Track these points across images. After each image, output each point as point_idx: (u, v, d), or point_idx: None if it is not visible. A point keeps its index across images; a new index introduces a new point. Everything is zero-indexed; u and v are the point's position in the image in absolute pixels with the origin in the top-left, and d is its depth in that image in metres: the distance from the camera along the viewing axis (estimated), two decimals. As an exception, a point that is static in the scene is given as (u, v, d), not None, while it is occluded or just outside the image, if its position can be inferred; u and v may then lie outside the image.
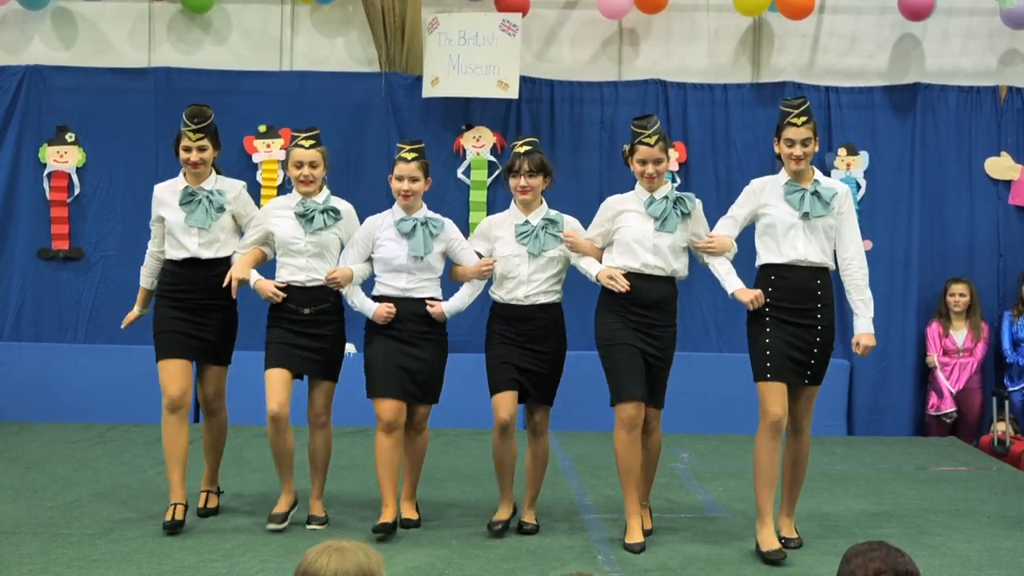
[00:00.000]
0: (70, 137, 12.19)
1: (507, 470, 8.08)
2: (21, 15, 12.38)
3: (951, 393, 11.93)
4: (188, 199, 8.06)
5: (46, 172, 12.21)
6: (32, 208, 12.23)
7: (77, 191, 12.19)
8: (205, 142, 8.05)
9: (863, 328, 7.77)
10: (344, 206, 8.24)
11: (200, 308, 8.11)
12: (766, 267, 7.84)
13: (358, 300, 7.99)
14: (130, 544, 7.53)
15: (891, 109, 12.37)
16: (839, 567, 3.86)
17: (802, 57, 12.62)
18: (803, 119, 7.68)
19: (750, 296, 7.72)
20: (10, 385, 11.85)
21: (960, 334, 11.99)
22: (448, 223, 8.14)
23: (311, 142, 8.14)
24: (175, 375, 8.02)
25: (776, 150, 7.86)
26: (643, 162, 7.80)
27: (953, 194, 12.40)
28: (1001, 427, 11.37)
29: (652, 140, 7.76)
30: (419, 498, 8.45)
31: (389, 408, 7.83)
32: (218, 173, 8.27)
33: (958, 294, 11.97)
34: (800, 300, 7.71)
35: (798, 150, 7.69)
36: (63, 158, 12.21)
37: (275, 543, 7.66)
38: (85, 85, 12.19)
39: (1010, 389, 11.79)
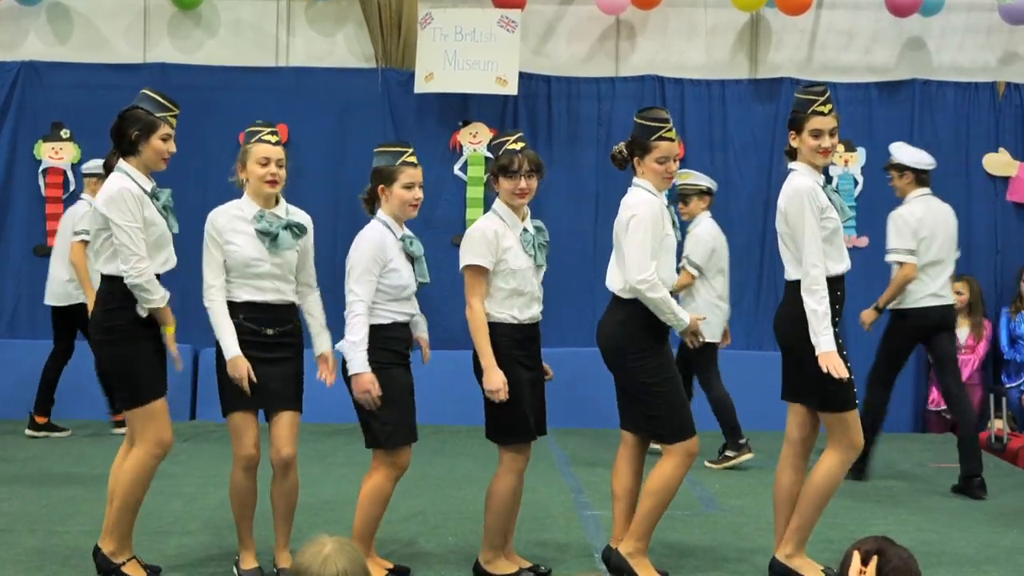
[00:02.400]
0: (65, 133, 12.25)
1: (515, 515, 7.18)
2: (17, 11, 12.42)
3: (951, 389, 11.96)
4: (164, 205, 6.81)
5: (41, 168, 12.27)
6: (27, 205, 12.31)
7: (72, 187, 12.21)
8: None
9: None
10: (306, 217, 7.07)
11: (157, 335, 6.86)
12: (837, 279, 6.89)
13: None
14: (126, 541, 7.48)
15: (889, 105, 12.45)
16: (840, 564, 3.86)
17: (800, 53, 12.68)
18: (829, 107, 6.90)
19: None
20: (6, 382, 11.88)
21: (962, 331, 12.01)
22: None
23: (277, 137, 6.96)
24: (167, 416, 6.89)
25: (793, 144, 6.97)
26: (663, 160, 6.89)
27: (951, 191, 12.35)
28: (999, 424, 11.39)
29: (673, 134, 6.93)
30: (423, 509, 8.32)
31: (409, 455, 6.96)
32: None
33: (956, 291, 11.96)
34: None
35: (827, 141, 6.87)
36: (58, 154, 12.24)
37: None
38: (80, 81, 12.23)
39: (1008, 385, 11.84)
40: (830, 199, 6.91)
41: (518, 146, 6.97)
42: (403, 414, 6.83)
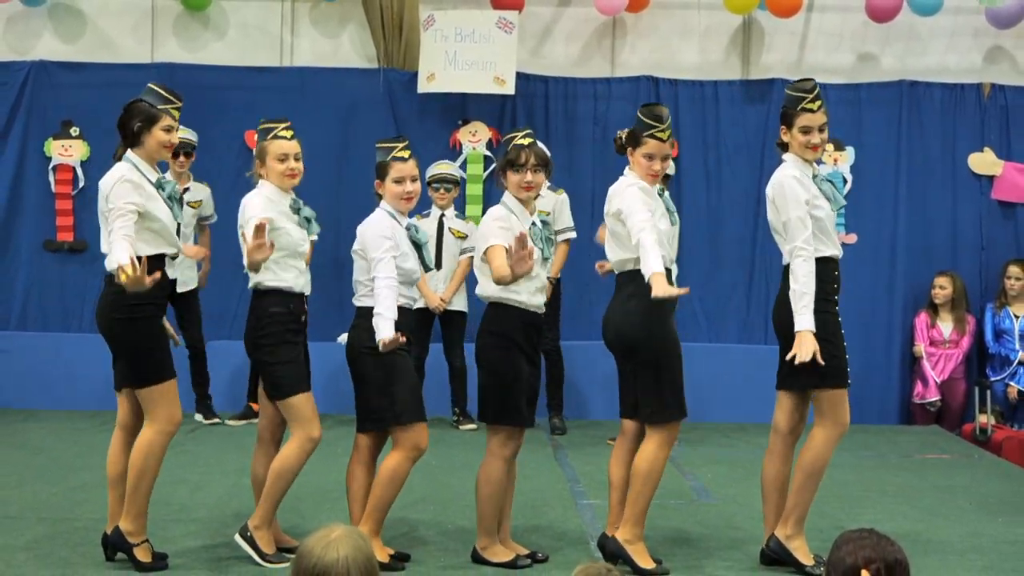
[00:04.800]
0: (75, 131, 12.34)
1: (508, 501, 7.35)
2: (27, 12, 12.52)
3: (936, 382, 12.12)
4: (169, 195, 6.98)
5: (51, 165, 12.37)
6: (38, 201, 12.40)
7: (82, 184, 12.30)
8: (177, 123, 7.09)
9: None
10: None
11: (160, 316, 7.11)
12: (829, 260, 7.07)
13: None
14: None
15: (877, 105, 12.52)
16: (830, 553, 3.92)
17: (791, 54, 12.78)
18: (818, 103, 7.04)
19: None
20: (17, 373, 11.98)
21: (947, 326, 12.17)
22: None
23: (292, 132, 7.22)
24: (178, 395, 7.11)
25: (784, 139, 7.15)
26: (651, 156, 7.03)
27: (937, 189, 12.52)
28: (983, 417, 11.53)
29: (665, 135, 7.03)
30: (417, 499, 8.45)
31: (426, 435, 7.17)
32: None
33: (939, 286, 12.15)
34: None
35: (816, 137, 7.05)
36: (68, 152, 12.36)
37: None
38: (89, 80, 12.29)
39: (992, 379, 11.98)
40: (821, 189, 7.08)
41: (526, 141, 7.12)
42: (414, 392, 7.03)
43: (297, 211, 7.19)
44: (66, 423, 11.21)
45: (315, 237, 7.47)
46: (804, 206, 6.96)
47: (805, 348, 6.81)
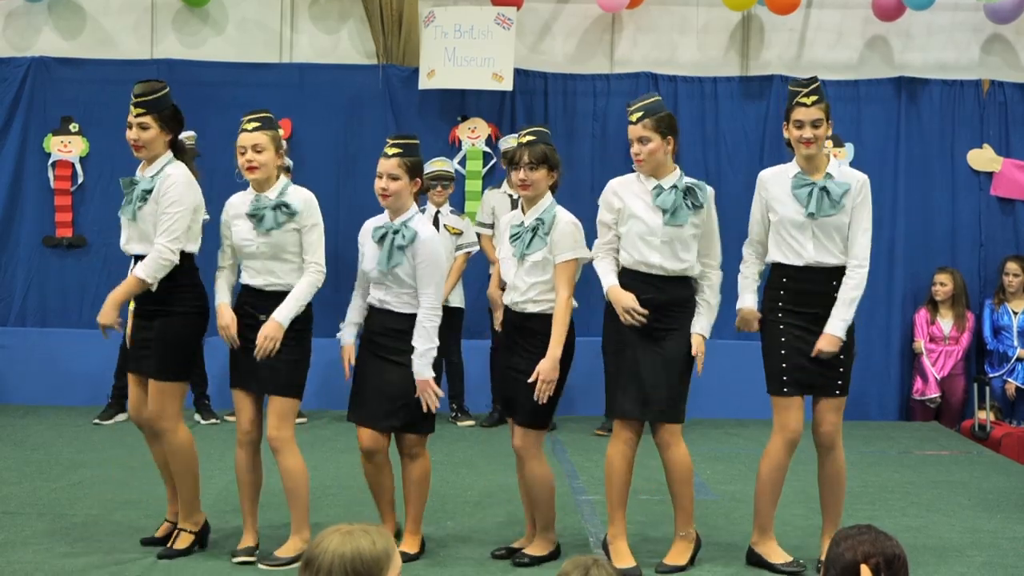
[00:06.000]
0: (74, 127, 12.35)
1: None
2: (28, 8, 12.53)
3: (936, 379, 12.13)
4: (128, 188, 7.17)
5: (51, 161, 12.37)
6: (37, 196, 12.40)
7: (81, 180, 12.34)
8: (147, 119, 6.98)
9: (827, 329, 7.00)
10: (301, 196, 7.07)
11: (144, 314, 7.14)
12: (777, 266, 7.16)
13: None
14: (133, 524, 7.64)
15: (876, 102, 12.54)
16: (827, 550, 3.93)
17: (789, 51, 12.78)
18: (813, 98, 6.89)
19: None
20: (16, 369, 12.00)
21: (946, 322, 12.19)
22: (421, 238, 6.99)
23: (255, 124, 7.04)
24: (133, 392, 7.27)
25: (785, 135, 7.08)
26: (631, 143, 7.02)
27: (936, 185, 12.54)
28: (982, 414, 11.54)
29: (634, 117, 6.95)
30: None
31: (362, 436, 7.13)
32: (187, 162, 7.25)
33: (939, 283, 12.16)
34: (811, 304, 7.02)
35: (808, 132, 6.90)
36: (67, 148, 12.36)
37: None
38: (89, 77, 12.32)
39: (991, 375, 11.99)
40: (794, 192, 7.01)
41: (525, 139, 7.08)
42: (352, 393, 7.16)
43: (253, 214, 7.03)
44: (65, 419, 11.22)
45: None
46: (758, 211, 7.25)
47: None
